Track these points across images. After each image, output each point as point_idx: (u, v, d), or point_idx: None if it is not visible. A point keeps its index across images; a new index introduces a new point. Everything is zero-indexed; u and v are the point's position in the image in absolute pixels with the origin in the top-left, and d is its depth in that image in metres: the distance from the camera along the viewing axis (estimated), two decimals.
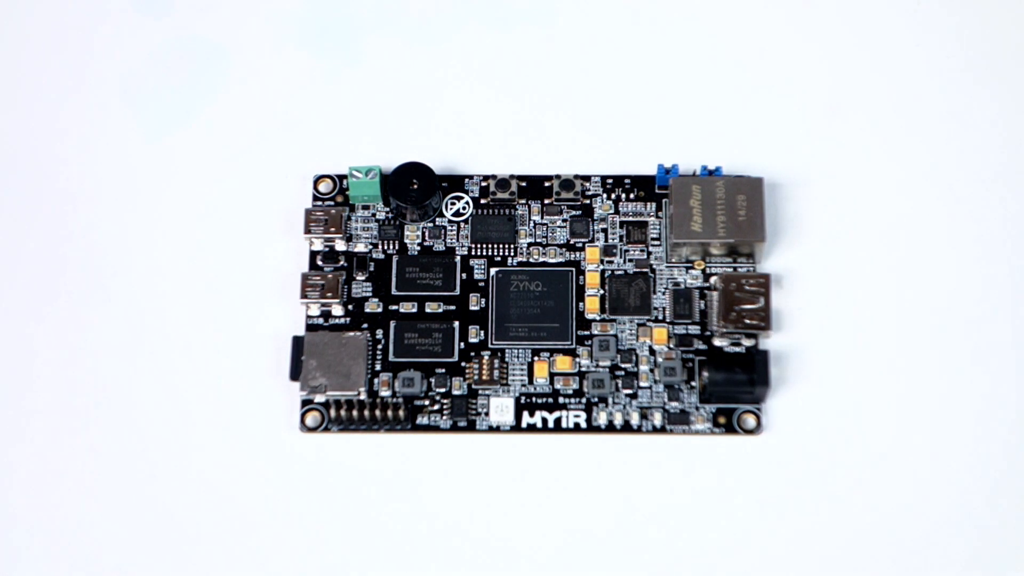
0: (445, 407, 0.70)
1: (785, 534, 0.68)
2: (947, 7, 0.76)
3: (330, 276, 0.71)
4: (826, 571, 0.68)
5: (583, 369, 0.70)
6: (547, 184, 0.73)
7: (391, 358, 0.70)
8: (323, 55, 0.76)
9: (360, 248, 0.72)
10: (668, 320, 0.71)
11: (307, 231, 0.71)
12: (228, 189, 0.73)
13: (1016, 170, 0.73)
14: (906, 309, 0.71)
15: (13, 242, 0.73)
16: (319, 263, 0.72)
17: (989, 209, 0.72)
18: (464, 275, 0.72)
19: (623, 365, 0.70)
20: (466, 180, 0.73)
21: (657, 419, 0.69)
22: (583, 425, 0.69)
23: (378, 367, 0.70)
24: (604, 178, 0.73)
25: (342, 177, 0.73)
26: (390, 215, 0.72)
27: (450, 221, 0.73)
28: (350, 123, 0.74)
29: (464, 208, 0.73)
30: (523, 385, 0.70)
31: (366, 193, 0.72)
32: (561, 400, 0.70)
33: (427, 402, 0.70)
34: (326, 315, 0.71)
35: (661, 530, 0.68)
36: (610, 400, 0.70)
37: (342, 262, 0.72)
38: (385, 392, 0.70)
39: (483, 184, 0.73)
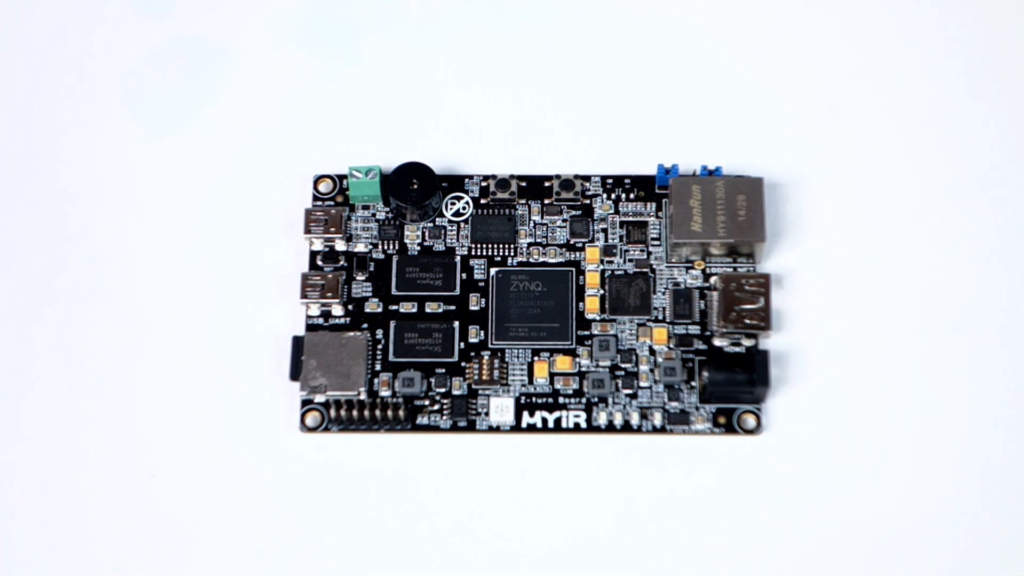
0: (445, 407, 0.70)
1: (785, 534, 0.68)
2: (946, 7, 0.76)
3: (330, 276, 0.71)
4: (826, 571, 0.68)
5: (583, 369, 0.70)
6: (547, 184, 0.73)
7: (391, 358, 0.70)
8: (323, 55, 0.76)
9: (360, 248, 0.72)
10: (668, 320, 0.71)
11: (307, 231, 0.71)
12: (228, 189, 0.73)
13: (1016, 170, 0.73)
14: (906, 309, 0.71)
15: (13, 242, 0.73)
16: (319, 263, 0.72)
17: (989, 209, 0.72)
18: (464, 275, 0.72)
19: (623, 365, 0.70)
20: (466, 180, 0.73)
21: (657, 419, 0.69)
22: (583, 425, 0.69)
23: (378, 367, 0.70)
24: (604, 178, 0.73)
25: (342, 177, 0.73)
26: (390, 215, 0.72)
27: (450, 221, 0.73)
28: (350, 123, 0.74)
29: (464, 208, 0.73)
30: (523, 385, 0.70)
31: (366, 193, 0.72)
32: (561, 400, 0.70)
33: (427, 402, 0.70)
34: (326, 315, 0.71)
35: (661, 530, 0.68)
36: (610, 400, 0.70)
37: (342, 262, 0.72)
38: (385, 392, 0.70)
39: (483, 184, 0.73)
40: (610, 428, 0.69)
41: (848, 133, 0.74)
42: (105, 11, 0.77)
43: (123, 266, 0.72)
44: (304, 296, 0.70)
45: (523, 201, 0.73)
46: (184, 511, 0.69)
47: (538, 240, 0.72)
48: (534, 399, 0.70)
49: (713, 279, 0.71)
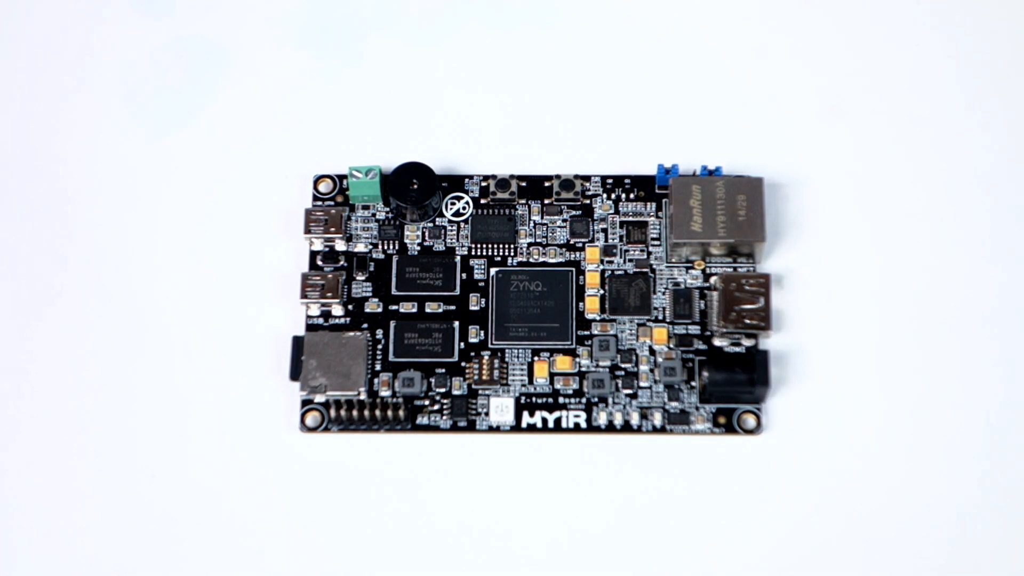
0: (445, 407, 0.70)
1: (785, 534, 0.68)
2: (946, 7, 0.76)
3: (330, 276, 0.71)
4: (826, 570, 0.68)
5: (583, 369, 0.70)
6: (547, 184, 0.73)
7: (391, 358, 0.70)
8: (323, 55, 0.76)
9: (360, 248, 0.72)
10: (668, 320, 0.71)
11: (307, 231, 0.71)
12: (228, 189, 0.73)
13: (1017, 170, 0.73)
14: (906, 309, 0.71)
15: (13, 241, 0.73)
16: (319, 263, 0.72)
17: (989, 209, 0.72)
18: (464, 275, 0.72)
19: (623, 365, 0.70)
20: (466, 180, 0.73)
21: (657, 419, 0.69)
22: (583, 425, 0.69)
23: (378, 367, 0.70)
24: (604, 178, 0.73)
25: (342, 177, 0.73)
26: (390, 215, 0.72)
27: (450, 221, 0.73)
28: (350, 123, 0.74)
29: (464, 208, 0.73)
30: (523, 385, 0.70)
31: (366, 193, 0.72)
32: (561, 400, 0.70)
33: (427, 402, 0.70)
34: (326, 315, 0.71)
35: (661, 530, 0.68)
36: (610, 400, 0.70)
37: (342, 262, 0.72)
38: (385, 392, 0.70)
39: (483, 184, 0.73)
40: (610, 428, 0.69)
41: (848, 133, 0.74)
42: (105, 11, 0.77)
43: (123, 266, 0.72)
44: (304, 296, 0.71)
45: (523, 201, 0.73)
46: (184, 511, 0.69)
47: (538, 240, 0.72)
48: (534, 399, 0.70)
49: (713, 279, 0.71)
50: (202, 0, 0.77)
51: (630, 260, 0.72)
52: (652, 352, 0.70)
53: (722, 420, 0.69)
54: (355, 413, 0.69)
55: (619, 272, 0.71)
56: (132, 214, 0.73)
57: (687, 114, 0.74)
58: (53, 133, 0.74)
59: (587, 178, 0.73)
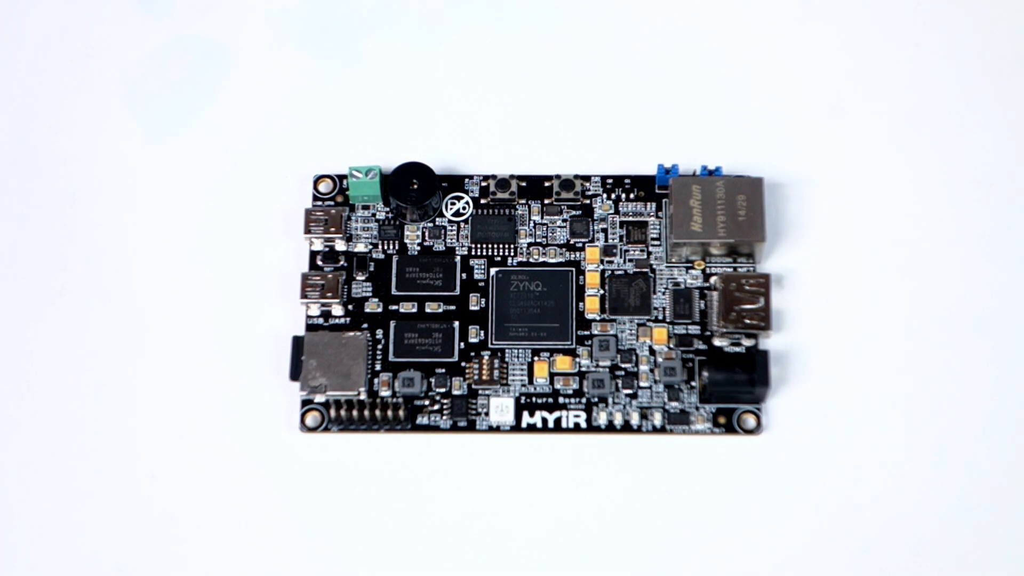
0: (445, 407, 0.70)
1: (785, 534, 0.68)
2: (946, 7, 0.76)
3: (330, 276, 0.71)
4: (826, 570, 0.68)
5: (583, 369, 0.70)
6: (547, 184, 0.73)
7: (391, 358, 0.70)
8: (323, 55, 0.76)
9: (360, 248, 0.72)
10: (668, 320, 0.71)
11: (307, 231, 0.71)
12: (228, 189, 0.73)
13: (1017, 169, 0.73)
14: (906, 309, 0.71)
15: (13, 241, 0.73)
16: (319, 263, 0.72)
17: (990, 208, 0.72)
18: (464, 275, 0.72)
19: (623, 365, 0.70)
20: (466, 180, 0.73)
21: (657, 419, 0.69)
22: (583, 425, 0.69)
23: (378, 367, 0.70)
24: (604, 178, 0.73)
25: (342, 177, 0.73)
26: (390, 215, 0.72)
27: (450, 221, 0.73)
28: (350, 123, 0.74)
29: (464, 208, 0.73)
30: (523, 385, 0.70)
31: (366, 193, 0.72)
32: (561, 400, 0.70)
33: (427, 402, 0.70)
34: (326, 315, 0.71)
35: (661, 530, 0.68)
36: (610, 400, 0.70)
37: (342, 262, 0.72)
38: (385, 392, 0.70)
39: (483, 184, 0.73)
40: (610, 428, 0.69)
41: (848, 133, 0.74)
42: (105, 11, 0.77)
43: (123, 266, 0.72)
44: (304, 296, 0.71)
45: (523, 201, 0.73)
46: (184, 511, 0.69)
47: (538, 240, 0.72)
48: (534, 399, 0.70)
49: (713, 279, 0.71)
50: (202, 0, 0.77)
51: (630, 260, 0.72)
52: (652, 352, 0.70)
53: (722, 420, 0.69)
54: (355, 413, 0.69)
55: (619, 272, 0.71)
56: (132, 214, 0.73)
57: (687, 114, 0.74)
58: (53, 133, 0.74)
59: (587, 178, 0.73)
